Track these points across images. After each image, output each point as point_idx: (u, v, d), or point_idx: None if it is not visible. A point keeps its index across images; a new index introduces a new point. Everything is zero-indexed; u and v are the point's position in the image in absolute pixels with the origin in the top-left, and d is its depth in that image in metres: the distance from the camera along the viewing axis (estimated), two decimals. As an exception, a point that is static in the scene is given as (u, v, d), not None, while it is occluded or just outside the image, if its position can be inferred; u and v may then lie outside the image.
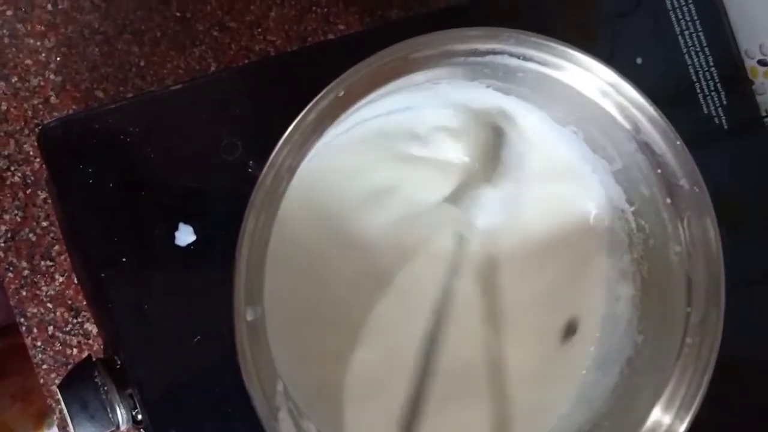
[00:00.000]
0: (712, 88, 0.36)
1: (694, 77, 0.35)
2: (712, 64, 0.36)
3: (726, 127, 0.36)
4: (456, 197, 0.29)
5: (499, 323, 0.30)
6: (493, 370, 0.29)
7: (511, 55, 0.24)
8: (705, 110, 0.36)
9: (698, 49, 0.35)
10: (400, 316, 0.29)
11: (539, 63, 0.25)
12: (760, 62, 0.39)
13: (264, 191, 0.22)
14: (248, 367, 0.22)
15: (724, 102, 0.36)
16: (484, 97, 0.28)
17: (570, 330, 0.30)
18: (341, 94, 0.22)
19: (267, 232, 0.22)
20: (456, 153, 0.30)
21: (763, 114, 0.38)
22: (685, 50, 0.35)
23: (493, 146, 0.29)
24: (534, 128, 0.29)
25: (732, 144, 0.36)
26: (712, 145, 0.36)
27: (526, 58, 0.25)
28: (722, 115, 0.36)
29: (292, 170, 0.22)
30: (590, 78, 0.25)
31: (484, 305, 0.30)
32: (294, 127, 0.22)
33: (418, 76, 0.24)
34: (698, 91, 0.35)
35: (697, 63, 0.35)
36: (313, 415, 0.25)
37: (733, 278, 0.33)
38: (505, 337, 0.30)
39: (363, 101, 0.23)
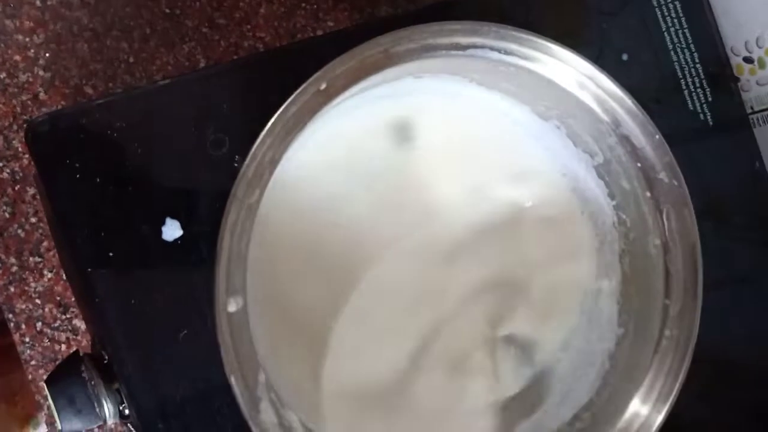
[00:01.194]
0: (698, 85, 0.36)
1: (679, 74, 0.36)
2: (697, 61, 0.36)
3: (712, 123, 0.36)
4: None
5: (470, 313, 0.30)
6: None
7: (492, 48, 0.25)
8: (691, 107, 0.36)
9: (684, 46, 0.36)
10: (378, 312, 0.29)
11: (520, 57, 0.25)
12: (746, 59, 0.40)
13: (246, 182, 0.22)
14: (229, 358, 0.22)
15: (710, 99, 0.36)
16: (468, 91, 0.28)
17: None
18: (323, 86, 0.23)
19: (249, 224, 0.22)
20: None
21: (749, 111, 0.38)
22: (671, 47, 0.36)
23: None
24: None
25: (718, 141, 0.36)
26: (698, 142, 0.36)
27: (507, 52, 0.25)
28: (708, 111, 0.36)
29: (274, 162, 0.22)
30: (569, 71, 0.26)
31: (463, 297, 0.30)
32: (276, 119, 0.22)
33: (400, 70, 0.24)
34: (684, 87, 0.36)
35: (682, 60, 0.36)
36: (296, 406, 0.25)
37: (718, 276, 0.33)
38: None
39: (345, 94, 0.23)
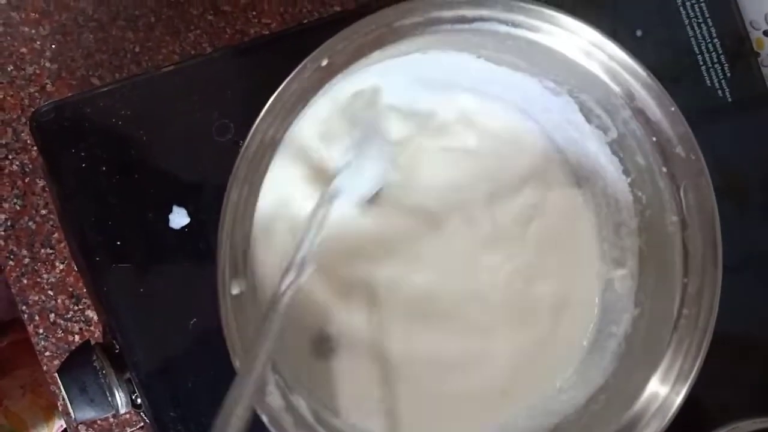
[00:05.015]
0: (716, 60, 0.35)
1: (696, 49, 0.35)
2: (715, 35, 0.35)
3: (731, 100, 0.35)
4: None
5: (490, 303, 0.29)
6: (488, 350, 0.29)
7: (499, 21, 0.24)
8: (708, 83, 0.35)
9: (700, 21, 0.35)
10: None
11: (527, 29, 0.24)
12: (766, 33, 0.38)
13: (247, 162, 0.22)
14: (233, 342, 0.22)
15: (728, 74, 0.35)
16: (475, 65, 0.27)
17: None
18: (324, 63, 0.22)
19: (251, 204, 0.22)
20: None
21: (770, 86, 0.37)
22: (686, 21, 0.34)
23: None
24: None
25: (737, 118, 0.35)
26: (717, 119, 0.35)
27: (514, 24, 0.24)
28: (726, 88, 0.35)
29: (276, 141, 0.22)
30: (577, 41, 0.25)
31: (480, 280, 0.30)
32: (276, 97, 0.22)
33: (405, 45, 0.23)
34: (701, 63, 0.35)
35: (699, 35, 0.35)
36: (303, 389, 0.25)
37: (739, 257, 0.32)
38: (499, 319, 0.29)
39: (348, 70, 0.23)
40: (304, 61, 0.22)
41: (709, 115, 0.34)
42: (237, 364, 0.22)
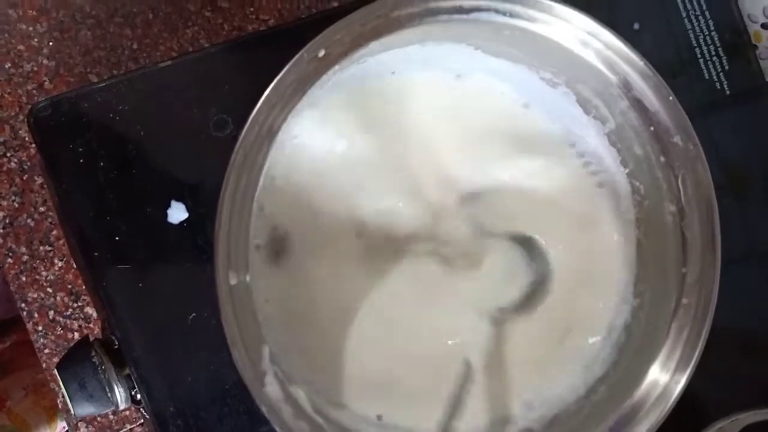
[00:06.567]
0: (714, 54, 0.35)
1: (694, 42, 0.35)
2: (713, 28, 0.35)
3: (729, 93, 0.35)
4: None
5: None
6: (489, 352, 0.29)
7: (497, 11, 0.24)
8: (707, 76, 0.35)
9: (698, 13, 0.35)
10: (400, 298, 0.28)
11: (524, 19, 0.24)
12: (764, 26, 0.38)
13: (244, 152, 0.22)
14: (232, 332, 0.22)
15: (726, 67, 0.35)
16: (472, 59, 0.27)
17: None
18: (321, 54, 0.22)
19: (249, 195, 0.22)
20: None
21: (768, 79, 0.37)
22: (684, 14, 0.34)
23: None
24: None
25: (736, 111, 0.35)
26: (715, 112, 0.35)
27: (512, 15, 0.24)
28: (724, 80, 0.35)
29: (273, 132, 0.22)
30: (573, 30, 0.25)
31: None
32: (273, 87, 0.22)
33: (402, 36, 0.23)
34: (699, 56, 0.35)
35: (697, 27, 0.35)
36: (305, 381, 0.25)
37: (739, 250, 0.32)
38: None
39: (344, 61, 0.23)
40: (301, 51, 0.22)
41: (707, 108, 0.34)
42: (236, 355, 0.22)
